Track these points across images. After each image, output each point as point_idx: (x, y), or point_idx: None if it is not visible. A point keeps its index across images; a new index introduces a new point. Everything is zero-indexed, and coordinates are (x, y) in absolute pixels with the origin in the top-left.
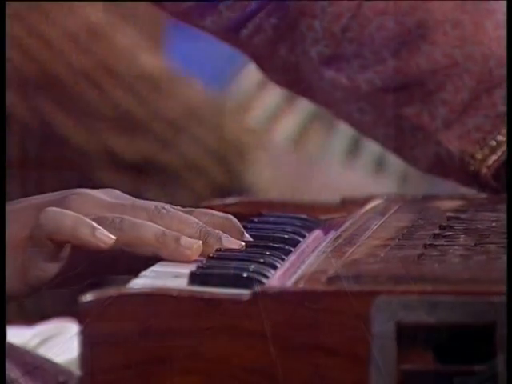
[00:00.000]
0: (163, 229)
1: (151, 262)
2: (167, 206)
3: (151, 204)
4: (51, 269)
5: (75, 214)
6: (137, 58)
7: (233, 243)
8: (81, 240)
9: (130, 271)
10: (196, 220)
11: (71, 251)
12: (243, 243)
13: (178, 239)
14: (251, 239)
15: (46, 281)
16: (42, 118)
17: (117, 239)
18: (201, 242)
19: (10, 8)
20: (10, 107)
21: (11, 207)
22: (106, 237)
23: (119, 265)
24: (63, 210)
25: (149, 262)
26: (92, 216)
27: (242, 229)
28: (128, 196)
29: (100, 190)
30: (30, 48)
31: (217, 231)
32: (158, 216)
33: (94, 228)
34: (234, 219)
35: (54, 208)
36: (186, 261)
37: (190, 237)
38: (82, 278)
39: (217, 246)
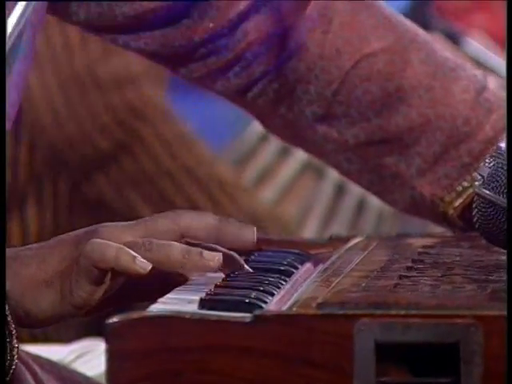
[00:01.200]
0: (187, 246)
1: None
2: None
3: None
4: (95, 291)
5: (117, 245)
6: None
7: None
8: (123, 267)
9: (150, 298)
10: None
11: (112, 276)
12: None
13: (201, 253)
14: (251, 271)
15: (90, 302)
16: (130, 205)
17: (148, 259)
18: (221, 254)
19: None
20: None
21: (42, 246)
22: (144, 264)
23: (143, 292)
24: (107, 242)
25: (165, 290)
26: (123, 241)
27: (243, 262)
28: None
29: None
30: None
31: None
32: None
33: (134, 257)
34: (236, 255)
35: (99, 240)
36: (208, 271)
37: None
38: (115, 303)
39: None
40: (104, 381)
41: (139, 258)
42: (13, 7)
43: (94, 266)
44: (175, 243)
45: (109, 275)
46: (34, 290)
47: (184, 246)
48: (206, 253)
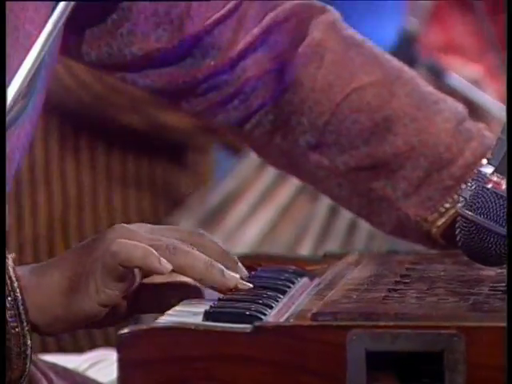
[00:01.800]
0: (211, 260)
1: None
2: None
3: (185, 231)
4: (119, 288)
5: (144, 246)
6: None
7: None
8: (149, 267)
9: (159, 309)
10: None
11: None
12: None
13: (222, 271)
14: (251, 285)
15: (114, 299)
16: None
17: (172, 261)
18: (239, 276)
19: None
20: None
21: (62, 257)
22: (168, 265)
23: (160, 304)
24: (134, 242)
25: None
26: (147, 242)
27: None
28: (157, 226)
29: (134, 225)
30: None
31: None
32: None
33: (159, 258)
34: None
35: (124, 240)
36: (224, 290)
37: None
38: (133, 313)
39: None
40: None
41: (163, 259)
42: (28, 50)
43: (120, 264)
44: (200, 254)
45: (132, 273)
46: (62, 296)
47: (208, 258)
48: (227, 272)
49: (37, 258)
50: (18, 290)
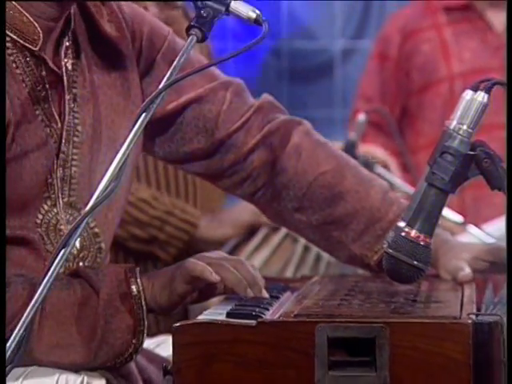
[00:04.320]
0: (242, 278)
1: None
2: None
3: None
4: (185, 288)
5: (203, 264)
6: None
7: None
8: (205, 277)
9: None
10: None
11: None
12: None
13: (246, 286)
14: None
15: (184, 294)
16: None
17: (228, 279)
18: (268, 294)
19: None
20: None
21: (165, 269)
22: (216, 276)
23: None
24: (198, 262)
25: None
26: (207, 261)
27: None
28: (224, 254)
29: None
30: None
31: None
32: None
33: (211, 272)
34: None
35: (193, 260)
36: (247, 296)
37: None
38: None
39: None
40: (171, 359)
41: (214, 273)
42: (118, 151)
43: (189, 274)
44: (237, 273)
45: (196, 280)
46: (162, 290)
47: (240, 276)
48: (263, 291)
49: None
50: (142, 293)
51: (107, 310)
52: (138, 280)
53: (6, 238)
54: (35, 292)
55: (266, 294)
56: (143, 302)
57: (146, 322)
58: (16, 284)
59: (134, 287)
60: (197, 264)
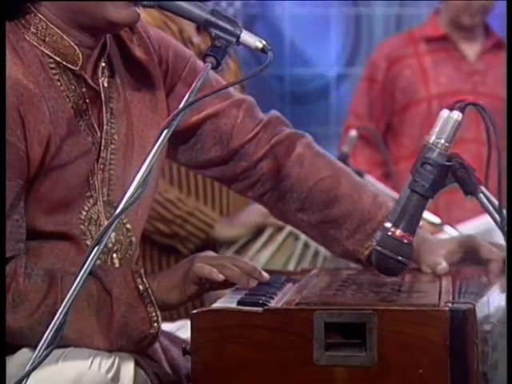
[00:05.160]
0: (243, 273)
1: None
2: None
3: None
4: (195, 289)
5: (210, 267)
6: None
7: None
8: (212, 277)
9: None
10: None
11: (204, 281)
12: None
13: (248, 280)
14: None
15: (193, 294)
16: None
17: (231, 277)
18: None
19: None
20: None
21: (174, 268)
22: (221, 275)
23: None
24: (204, 264)
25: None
26: (209, 262)
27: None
28: (214, 254)
29: (205, 252)
30: None
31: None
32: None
33: (217, 273)
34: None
35: (200, 263)
36: (249, 288)
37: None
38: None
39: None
40: (190, 340)
41: (220, 274)
42: (144, 161)
43: (197, 276)
44: (238, 270)
45: (203, 280)
46: (171, 291)
47: (241, 272)
48: (263, 273)
49: None
50: (149, 289)
51: (121, 307)
52: (144, 279)
53: (48, 233)
54: (54, 284)
55: (265, 275)
56: (152, 297)
57: (158, 312)
58: (36, 277)
59: (140, 286)
60: (204, 267)
